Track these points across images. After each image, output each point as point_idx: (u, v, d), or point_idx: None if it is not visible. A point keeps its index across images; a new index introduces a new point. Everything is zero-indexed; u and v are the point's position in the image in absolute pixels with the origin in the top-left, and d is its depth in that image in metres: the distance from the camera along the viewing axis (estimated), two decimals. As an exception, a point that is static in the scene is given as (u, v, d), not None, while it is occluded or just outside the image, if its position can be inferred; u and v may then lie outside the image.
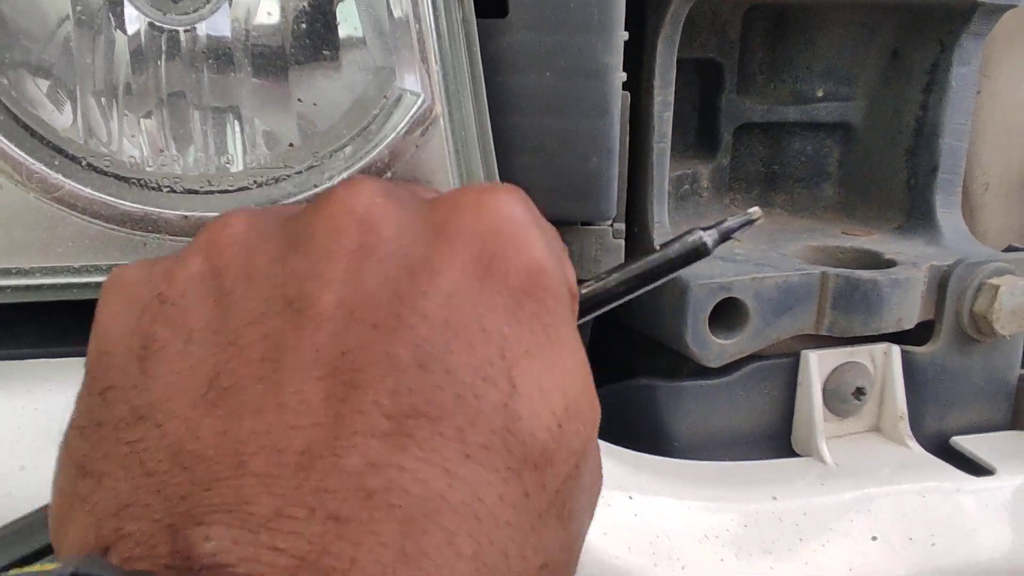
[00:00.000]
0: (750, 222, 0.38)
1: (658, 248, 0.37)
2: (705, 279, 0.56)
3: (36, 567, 0.20)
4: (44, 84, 0.41)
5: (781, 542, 0.53)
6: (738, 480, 0.56)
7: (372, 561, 0.20)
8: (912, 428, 0.63)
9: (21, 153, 0.39)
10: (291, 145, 0.41)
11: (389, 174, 0.42)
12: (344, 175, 0.42)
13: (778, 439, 0.62)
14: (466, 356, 0.23)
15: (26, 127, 0.39)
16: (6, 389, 0.42)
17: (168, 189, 0.41)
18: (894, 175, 0.71)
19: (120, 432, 0.24)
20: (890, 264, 0.62)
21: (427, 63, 0.43)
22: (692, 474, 0.55)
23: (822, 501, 0.56)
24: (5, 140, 0.39)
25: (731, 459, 0.60)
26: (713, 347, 0.57)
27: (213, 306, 0.25)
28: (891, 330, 0.60)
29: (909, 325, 0.61)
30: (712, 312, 0.57)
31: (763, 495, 0.55)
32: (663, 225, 0.60)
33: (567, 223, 0.53)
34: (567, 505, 0.24)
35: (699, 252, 0.37)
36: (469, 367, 0.23)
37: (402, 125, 0.43)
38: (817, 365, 0.61)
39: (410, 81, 0.43)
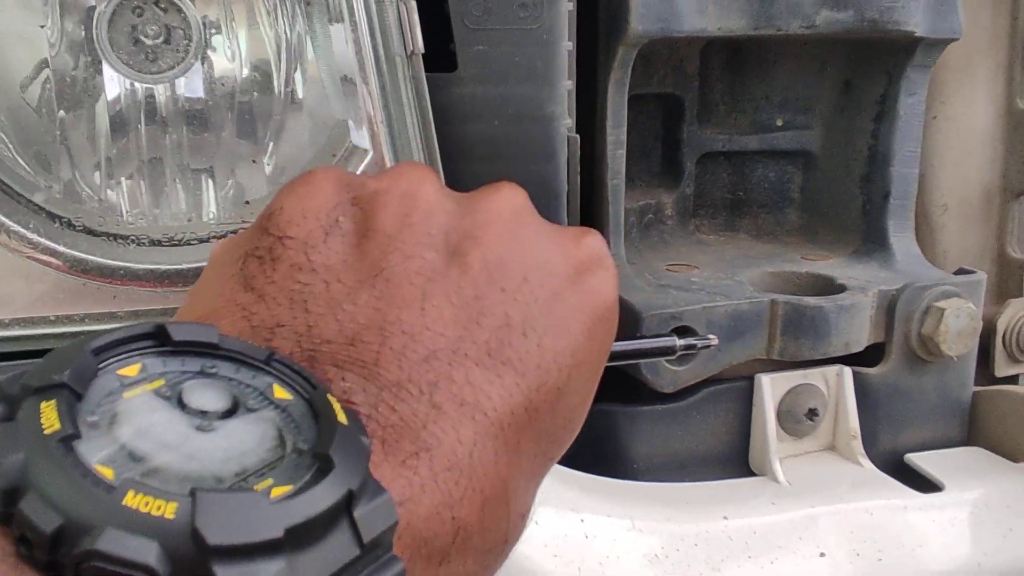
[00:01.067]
0: (709, 347, 0.51)
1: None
2: (657, 309, 0.59)
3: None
4: (24, 149, 0.45)
5: (730, 560, 0.56)
6: (690, 500, 0.59)
7: (450, 450, 0.26)
8: (867, 447, 0.66)
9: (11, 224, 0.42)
10: (247, 202, 0.45)
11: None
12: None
13: (735, 460, 0.65)
14: (552, 342, 0.31)
15: (4, 189, 0.43)
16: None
17: (135, 243, 0.45)
18: (850, 201, 0.74)
19: (294, 273, 0.30)
20: (841, 289, 0.64)
21: (374, 121, 0.46)
22: (645, 495, 0.58)
23: (772, 519, 0.58)
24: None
25: (690, 480, 0.63)
26: (666, 374, 0.60)
27: (392, 220, 0.32)
28: (840, 353, 0.63)
29: (858, 348, 0.63)
30: (667, 339, 0.60)
31: (714, 515, 0.58)
32: (619, 257, 0.63)
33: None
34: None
35: (669, 351, 0.48)
36: (553, 350, 0.31)
37: (352, 178, 0.46)
38: (770, 388, 0.63)
39: (360, 137, 0.47)
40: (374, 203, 0.32)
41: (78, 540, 0.18)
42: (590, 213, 0.64)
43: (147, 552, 0.18)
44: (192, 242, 0.45)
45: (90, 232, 0.45)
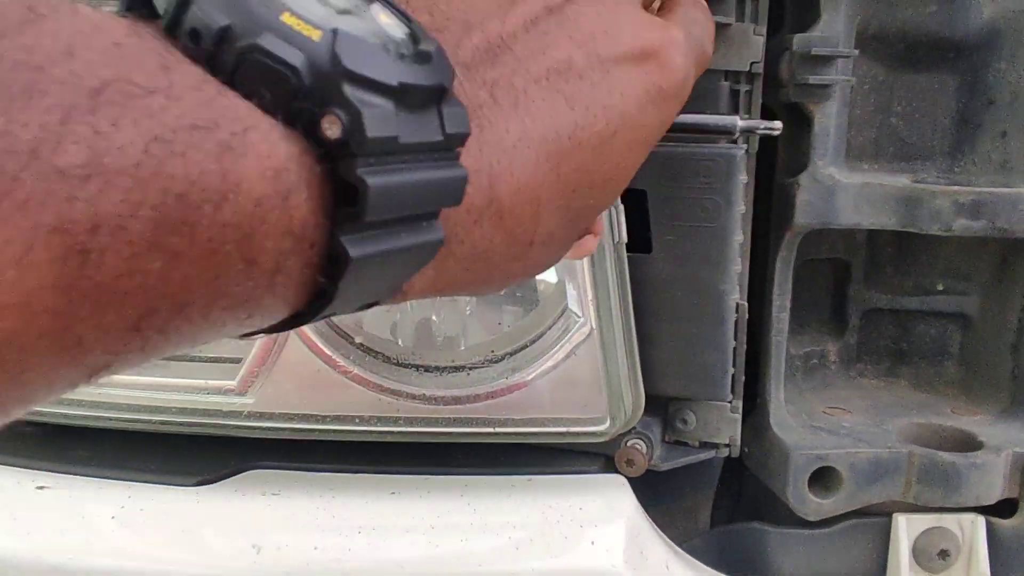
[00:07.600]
0: (771, 130, 0.53)
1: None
2: (807, 449, 0.71)
3: None
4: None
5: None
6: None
7: (497, 136, 0.30)
8: (1001, 593, 0.73)
9: (335, 353, 0.63)
10: (499, 323, 0.63)
11: (553, 373, 0.63)
12: (519, 373, 0.63)
13: (873, 586, 0.75)
14: (604, 97, 0.34)
15: (339, 332, 0.63)
16: (300, 492, 0.66)
17: (416, 369, 0.64)
18: (1001, 364, 0.82)
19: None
20: (979, 447, 0.74)
21: (585, 292, 0.63)
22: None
23: (896, 642, 0.68)
24: (329, 348, 0.63)
25: (828, 598, 0.73)
26: (811, 504, 0.72)
27: None
28: (971, 504, 0.72)
29: (988, 502, 0.72)
30: (814, 474, 0.72)
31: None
32: (778, 401, 0.76)
33: (696, 400, 0.71)
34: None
35: (729, 130, 0.52)
36: (604, 103, 0.34)
37: (567, 337, 0.63)
38: (906, 527, 0.73)
39: (574, 303, 0.64)
40: None
41: (241, 38, 0.22)
42: (756, 362, 0.77)
43: (295, 57, 0.22)
44: (450, 371, 0.64)
45: (388, 360, 0.64)
